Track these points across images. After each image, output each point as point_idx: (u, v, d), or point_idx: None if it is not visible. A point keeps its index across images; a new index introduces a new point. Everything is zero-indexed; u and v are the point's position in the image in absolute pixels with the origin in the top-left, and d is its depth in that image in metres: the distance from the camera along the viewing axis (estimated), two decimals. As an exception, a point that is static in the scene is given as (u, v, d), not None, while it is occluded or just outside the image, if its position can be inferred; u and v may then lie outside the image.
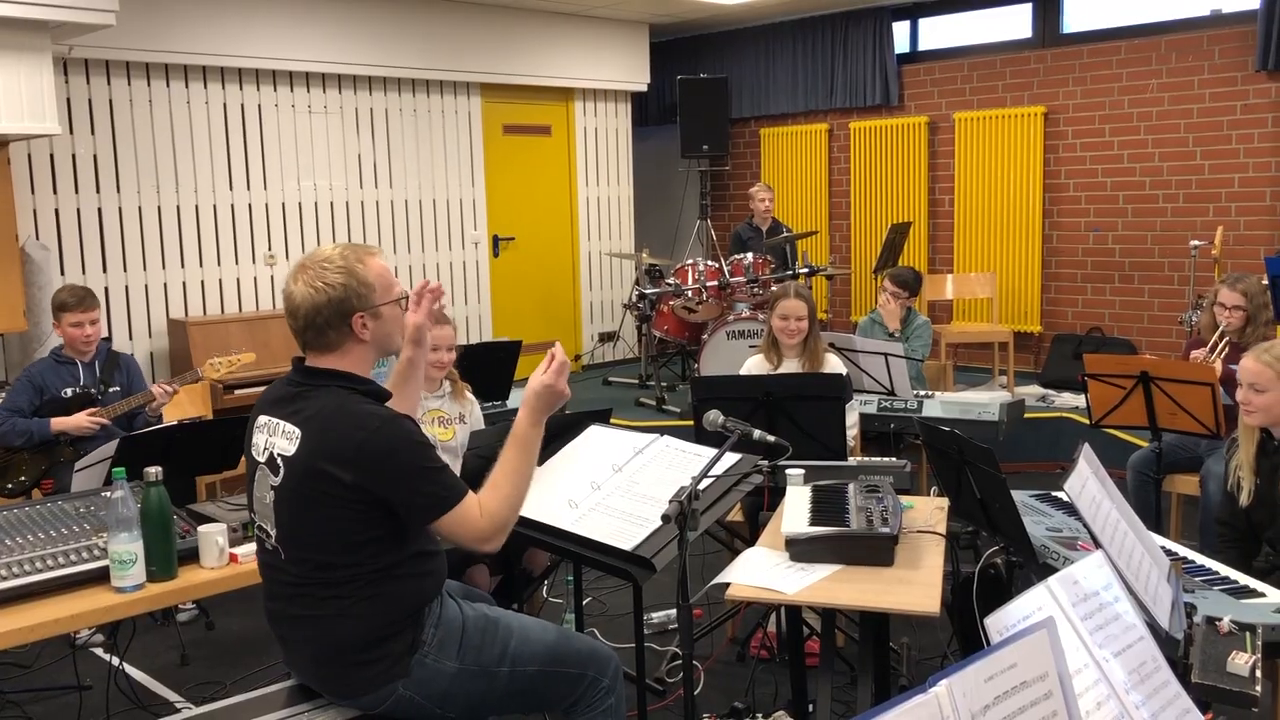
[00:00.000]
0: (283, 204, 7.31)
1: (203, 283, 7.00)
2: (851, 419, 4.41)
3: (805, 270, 7.11)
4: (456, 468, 3.59)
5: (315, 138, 7.43)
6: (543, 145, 8.83)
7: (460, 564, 3.56)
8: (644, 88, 9.31)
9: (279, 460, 2.32)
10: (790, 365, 4.51)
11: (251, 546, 2.84)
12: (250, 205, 7.16)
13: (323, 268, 2.33)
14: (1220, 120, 7.12)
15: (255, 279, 7.23)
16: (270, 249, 7.27)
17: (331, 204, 7.55)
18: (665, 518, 2.34)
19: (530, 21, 8.35)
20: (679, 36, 9.79)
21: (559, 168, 8.95)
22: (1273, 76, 6.86)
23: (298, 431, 2.30)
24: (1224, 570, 2.89)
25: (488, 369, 4.77)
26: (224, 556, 2.81)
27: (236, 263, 7.13)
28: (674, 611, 4.09)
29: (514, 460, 2.42)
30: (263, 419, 2.41)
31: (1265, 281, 4.89)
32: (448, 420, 3.98)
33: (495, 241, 8.50)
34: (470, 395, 4.09)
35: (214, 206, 6.99)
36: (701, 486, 2.43)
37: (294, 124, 7.32)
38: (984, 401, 4.91)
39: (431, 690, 2.37)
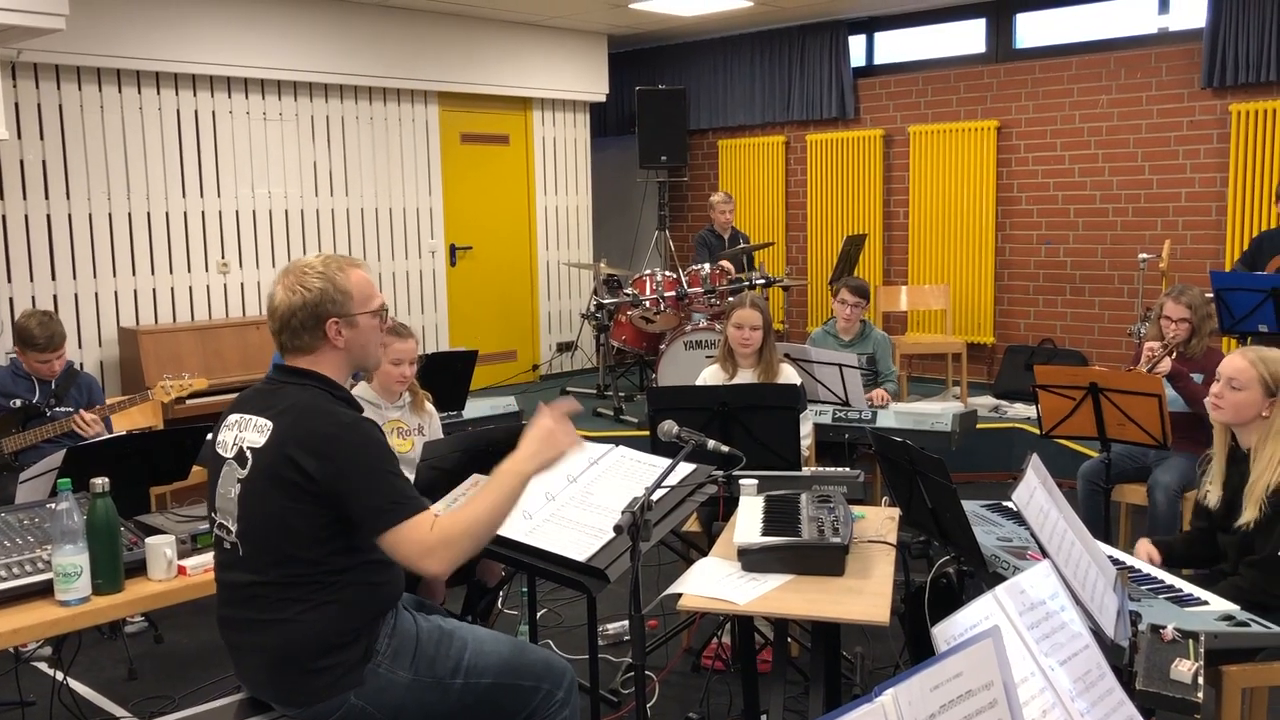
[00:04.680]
0: (236, 212, 7.24)
1: (154, 291, 6.91)
2: (806, 429, 4.44)
3: (762, 281, 7.15)
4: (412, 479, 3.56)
5: (270, 145, 7.37)
6: (501, 154, 8.82)
7: (415, 574, 3.54)
8: (602, 98, 9.33)
9: (248, 452, 2.35)
10: (746, 375, 4.53)
11: (201, 558, 2.81)
12: (204, 213, 7.08)
13: (303, 273, 2.40)
14: (1168, 136, 7.25)
15: (208, 287, 7.14)
16: (223, 257, 7.19)
17: (286, 212, 7.49)
18: (618, 529, 2.34)
19: (488, 31, 8.34)
20: (638, 47, 9.82)
21: (517, 177, 8.93)
22: (1217, 94, 7.01)
23: (269, 424, 2.34)
24: (1169, 579, 2.94)
25: (443, 379, 4.75)
26: (172, 569, 2.77)
27: (189, 271, 7.04)
28: (628, 622, 4.09)
29: (487, 489, 2.38)
30: (233, 417, 2.44)
31: (1209, 294, 5.00)
32: (406, 431, 3.97)
33: (452, 251, 8.47)
34: (430, 406, 4.08)
35: (166, 214, 6.91)
36: (655, 497, 2.43)
37: (249, 131, 7.25)
38: (937, 412, 4.97)
39: (384, 701, 2.36)
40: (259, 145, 7.31)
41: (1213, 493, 3.19)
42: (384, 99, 7.96)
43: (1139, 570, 3.00)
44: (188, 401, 5.95)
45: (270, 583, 2.32)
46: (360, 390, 3.86)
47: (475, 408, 5.29)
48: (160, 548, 2.76)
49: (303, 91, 7.51)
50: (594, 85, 9.21)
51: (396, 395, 3.92)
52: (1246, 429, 3.10)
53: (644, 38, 9.48)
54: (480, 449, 3.11)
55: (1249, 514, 2.99)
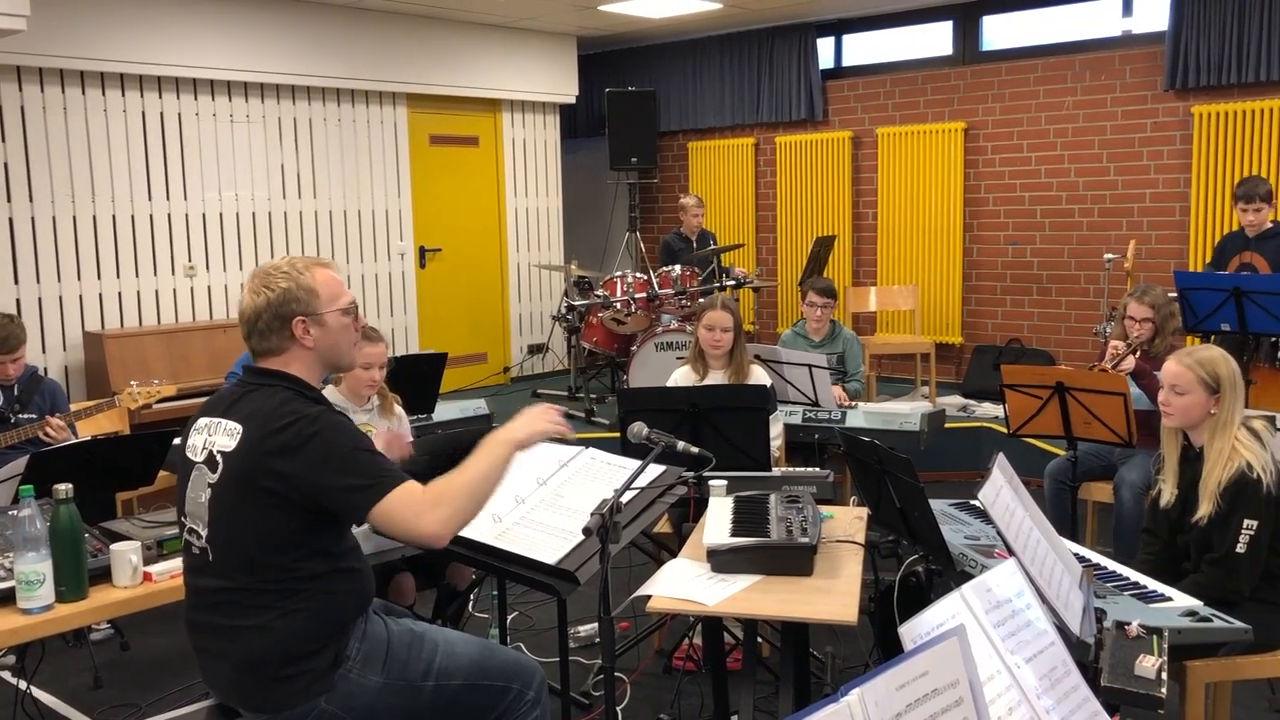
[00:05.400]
0: (203, 214, 7.18)
1: (119, 295, 6.84)
2: (776, 430, 4.46)
3: (732, 282, 7.17)
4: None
5: (237, 147, 7.31)
6: (470, 156, 8.79)
7: (384, 575, 3.53)
8: (572, 99, 9.33)
9: (219, 457, 2.33)
10: (716, 377, 4.54)
11: (168, 565, 2.78)
12: (169, 215, 7.02)
13: (268, 274, 2.40)
14: (1132, 137, 7.33)
15: (174, 291, 7.08)
16: (190, 260, 7.13)
17: (254, 214, 7.43)
18: (586, 531, 2.34)
19: (457, 32, 8.31)
20: (607, 49, 9.83)
21: (487, 179, 8.91)
22: (1180, 96, 7.09)
23: (239, 428, 2.32)
24: (1134, 575, 2.97)
25: (413, 382, 4.73)
26: (138, 575, 2.74)
27: (155, 274, 6.98)
28: (598, 624, 4.09)
29: (476, 453, 2.40)
30: (202, 420, 2.43)
31: (1173, 294, 5.06)
32: (375, 435, 3.94)
33: (422, 253, 8.44)
34: (399, 410, 4.06)
35: (131, 217, 6.84)
36: (624, 499, 2.43)
37: (215, 133, 7.19)
38: (906, 412, 5.00)
39: (355, 705, 2.35)
40: (225, 148, 7.25)
41: (1166, 491, 3.23)
42: (352, 101, 7.91)
43: (1104, 568, 3.03)
44: (154, 406, 5.89)
45: (240, 589, 2.30)
46: (327, 394, 3.84)
47: (445, 410, 5.27)
48: (125, 554, 2.73)
49: (270, 93, 7.45)
50: (563, 87, 9.21)
51: (365, 399, 3.90)
52: (1198, 429, 3.15)
53: (613, 39, 9.48)
54: (448, 452, 3.10)
55: (1204, 509, 3.04)
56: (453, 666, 2.47)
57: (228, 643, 2.32)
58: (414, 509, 2.25)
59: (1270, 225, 5.72)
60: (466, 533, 2.83)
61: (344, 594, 2.37)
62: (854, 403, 5.30)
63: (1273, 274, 5.51)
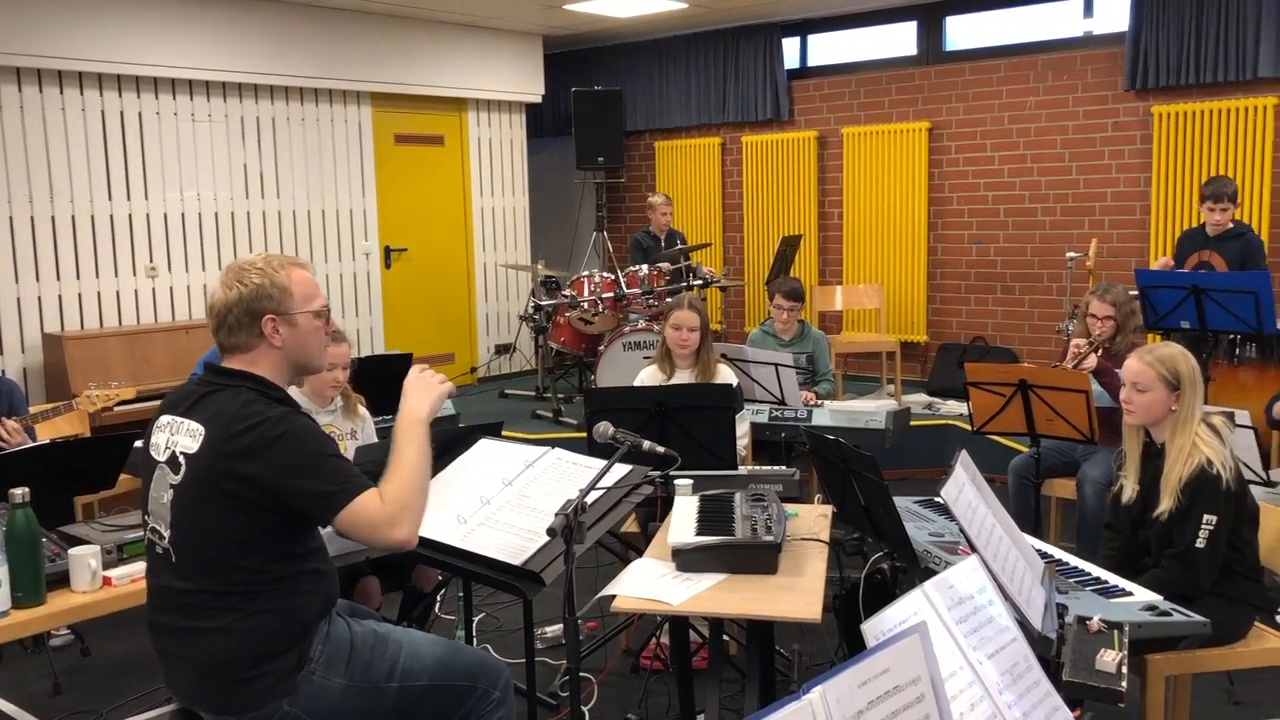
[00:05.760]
0: (164, 214, 7.09)
1: (79, 296, 6.75)
2: (742, 429, 4.47)
3: (699, 282, 7.18)
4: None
5: (199, 147, 7.23)
6: (436, 155, 8.75)
7: (350, 578, 3.50)
8: (538, 99, 9.30)
9: (181, 458, 2.31)
10: (683, 376, 4.55)
11: (128, 569, 2.75)
12: (130, 216, 6.93)
13: (243, 269, 2.39)
14: (1094, 137, 7.41)
15: (136, 292, 6.99)
16: (151, 261, 7.05)
17: (216, 214, 7.35)
18: (551, 531, 2.34)
19: (421, 31, 8.27)
20: (573, 48, 9.81)
21: (452, 178, 8.87)
22: (1140, 96, 7.17)
23: (202, 429, 2.30)
24: (1095, 571, 3.00)
25: (378, 382, 4.69)
26: (97, 580, 2.71)
27: (116, 275, 6.89)
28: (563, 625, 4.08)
29: (400, 446, 2.42)
30: (165, 419, 2.40)
31: (1134, 292, 5.12)
32: (339, 436, 3.92)
33: (387, 253, 8.39)
34: (363, 410, 4.03)
35: (91, 217, 6.75)
36: (590, 499, 2.43)
37: (176, 132, 7.11)
38: (871, 410, 5.02)
39: (318, 707, 2.34)
40: (187, 147, 7.17)
41: (1128, 487, 3.27)
42: (315, 100, 7.85)
43: (1066, 563, 3.06)
44: (115, 409, 5.82)
45: (203, 590, 2.29)
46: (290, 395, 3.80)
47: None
48: (84, 559, 2.70)
49: (232, 92, 7.38)
50: (529, 86, 9.18)
51: (328, 400, 3.87)
52: (1159, 426, 3.18)
53: (580, 39, 9.47)
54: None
55: (1165, 504, 3.07)
56: (417, 667, 2.46)
57: (190, 645, 2.30)
58: (380, 517, 2.26)
59: (1232, 225, 5.80)
60: (431, 534, 2.82)
61: (308, 596, 2.36)
62: (820, 401, 5.32)
63: (1231, 272, 5.58)
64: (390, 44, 8.09)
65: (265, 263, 2.39)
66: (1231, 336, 5.55)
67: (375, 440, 3.91)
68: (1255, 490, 3.36)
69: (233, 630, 2.27)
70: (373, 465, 3.12)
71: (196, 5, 7.01)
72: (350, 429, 3.96)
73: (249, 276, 2.36)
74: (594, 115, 9.11)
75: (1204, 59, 6.81)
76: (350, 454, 3.78)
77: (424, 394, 2.49)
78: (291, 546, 2.32)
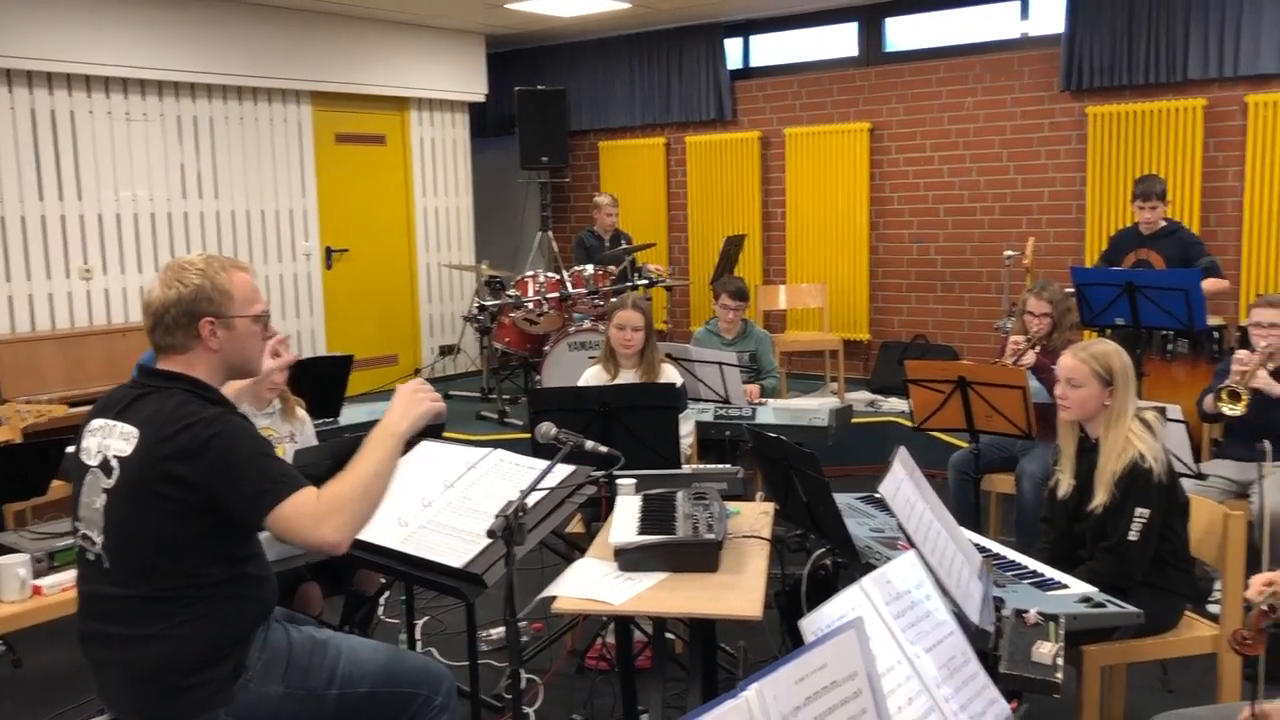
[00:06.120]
0: (99, 215, 6.95)
1: (10, 299, 6.59)
2: (687, 428, 4.48)
3: (645, 281, 7.19)
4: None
5: (134, 146, 7.10)
6: (377, 155, 8.67)
7: (289, 585, 3.46)
8: (481, 98, 9.25)
9: (114, 462, 2.27)
10: (628, 376, 4.55)
11: (58, 577, 2.70)
12: (63, 217, 6.78)
13: (183, 269, 2.35)
14: (1031, 137, 7.53)
15: (70, 294, 6.84)
16: (85, 262, 6.90)
17: (153, 215, 7.22)
18: (491, 533, 2.32)
19: (362, 29, 8.19)
20: (517, 48, 9.77)
21: (395, 178, 8.79)
22: (1076, 97, 7.30)
23: (135, 431, 2.26)
24: (1032, 564, 3.05)
25: (317, 384, 4.64)
26: (26, 589, 2.65)
27: (49, 277, 6.73)
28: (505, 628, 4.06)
29: (363, 452, 2.35)
30: (96, 423, 2.36)
31: (1070, 289, 5.20)
32: (277, 439, 3.86)
33: (328, 253, 8.29)
34: (302, 412, 3.98)
35: (22, 218, 6.59)
36: (532, 500, 2.42)
37: (111, 132, 6.97)
38: (814, 408, 5.06)
39: (256, 716, 2.31)
40: (122, 147, 7.04)
41: (1064, 481, 3.33)
42: (254, 99, 7.74)
43: (1003, 557, 3.11)
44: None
45: (138, 597, 2.25)
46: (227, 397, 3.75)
47: (352, 414, 5.18)
48: (12, 568, 2.64)
49: (168, 91, 7.25)
50: (472, 85, 9.13)
51: (266, 402, 3.81)
52: (1093, 421, 3.24)
53: (523, 38, 9.43)
54: (351, 455, 3.04)
55: (1100, 498, 3.13)
56: (357, 673, 2.44)
57: (125, 653, 2.26)
58: (312, 516, 2.21)
59: (1164, 223, 5.93)
60: (372, 537, 2.79)
61: (245, 602, 2.33)
62: (764, 399, 5.35)
63: (1163, 270, 5.70)
64: (330, 43, 8.00)
65: (206, 264, 2.36)
66: (1164, 333, 5.67)
67: (315, 443, 3.87)
68: (1186, 483, 3.44)
69: (167, 638, 2.23)
70: (312, 468, 3.09)
71: (131, 2, 6.88)
72: (289, 432, 3.90)
73: (189, 277, 2.32)
74: (538, 115, 9.08)
75: (1136, 61, 6.95)
76: (289, 458, 3.73)
77: (409, 408, 2.42)
78: (228, 551, 2.28)
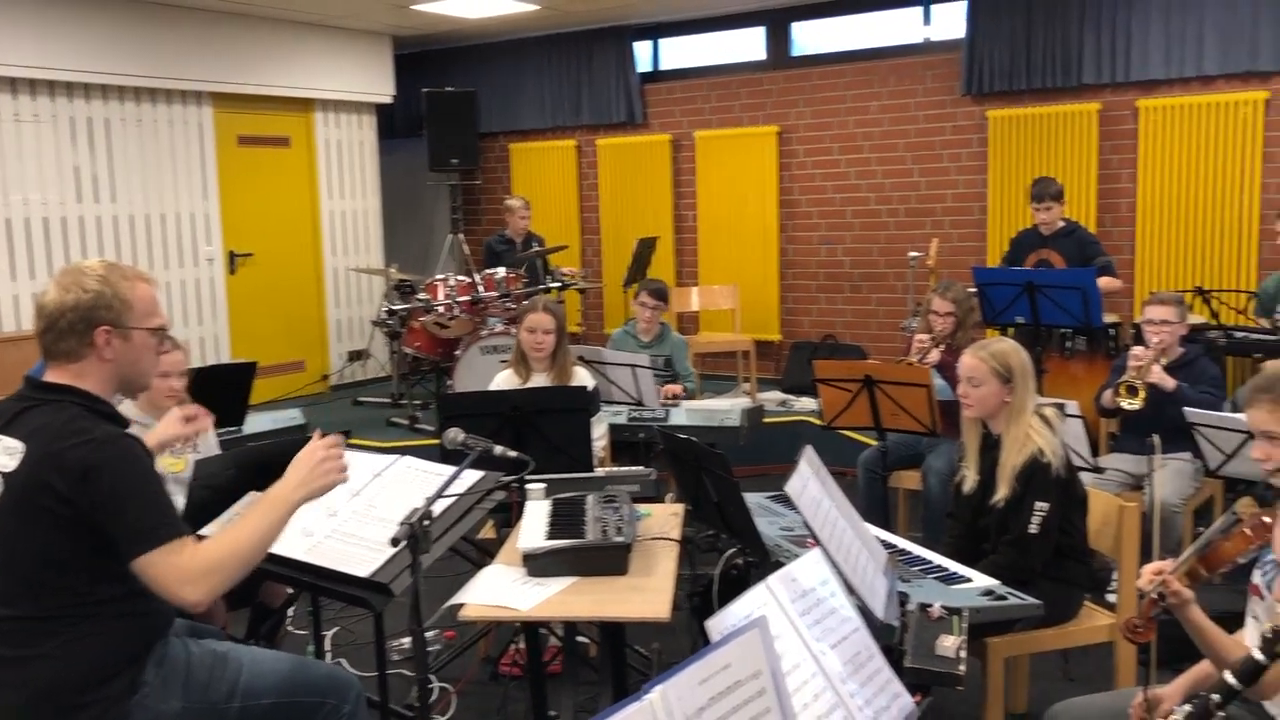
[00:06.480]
0: (-13, 220, 6.70)
1: (-108, 307, 6.32)
2: (600, 430, 4.48)
3: (557, 284, 7.16)
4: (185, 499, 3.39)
5: (25, 149, 6.85)
6: (282, 157, 8.50)
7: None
8: (389, 99, 9.13)
9: None
10: (539, 379, 4.53)
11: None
12: (-52, 221, 6.53)
13: (82, 273, 2.28)
14: (934, 140, 7.68)
15: (-44, 302, 6.59)
16: (-27, 269, 6.65)
17: (46, 220, 6.98)
18: (394, 541, 2.29)
19: (264, 29, 8.02)
20: (425, 49, 9.66)
21: (300, 181, 8.63)
22: (977, 101, 7.47)
23: (21, 446, 2.18)
24: (937, 559, 3.11)
25: (219, 393, 4.52)
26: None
27: (-67, 284, 6.47)
28: (424, 635, 4.00)
29: (250, 515, 2.30)
30: None
31: (973, 289, 5.33)
32: (179, 450, 3.76)
33: (232, 258, 8.10)
34: (204, 421, 3.88)
35: (-96, 223, 6.33)
36: (438, 507, 2.39)
37: (-1, 133, 6.73)
38: (726, 408, 5.09)
39: (154, 732, 2.24)
40: (12, 149, 6.78)
41: (969, 477, 3.40)
42: (153, 100, 7.53)
43: (909, 552, 3.16)
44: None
45: (25, 616, 2.18)
46: (126, 409, 3.62)
47: (257, 422, 5.07)
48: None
49: (61, 91, 7.02)
50: (379, 87, 9.00)
51: (165, 411, 3.71)
52: (996, 417, 3.32)
53: (431, 39, 9.33)
54: (255, 464, 2.98)
55: (1001, 492, 3.21)
56: (260, 685, 2.40)
57: (13, 674, 2.19)
58: (178, 573, 2.14)
59: (1062, 224, 6.10)
60: (277, 549, 2.73)
61: (140, 618, 2.27)
62: (677, 401, 5.37)
63: (1061, 269, 5.87)
64: (231, 43, 7.81)
65: (108, 271, 2.29)
66: (1063, 330, 5.83)
67: (217, 453, 3.78)
68: (1084, 476, 3.54)
69: (59, 656, 2.17)
70: (212, 479, 3.02)
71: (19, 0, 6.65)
72: (191, 442, 3.80)
73: (89, 282, 2.25)
74: (446, 117, 8.99)
75: (1034, 66, 7.13)
76: (192, 468, 3.64)
77: (311, 479, 2.32)
78: (119, 569, 2.21)
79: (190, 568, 2.15)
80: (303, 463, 2.34)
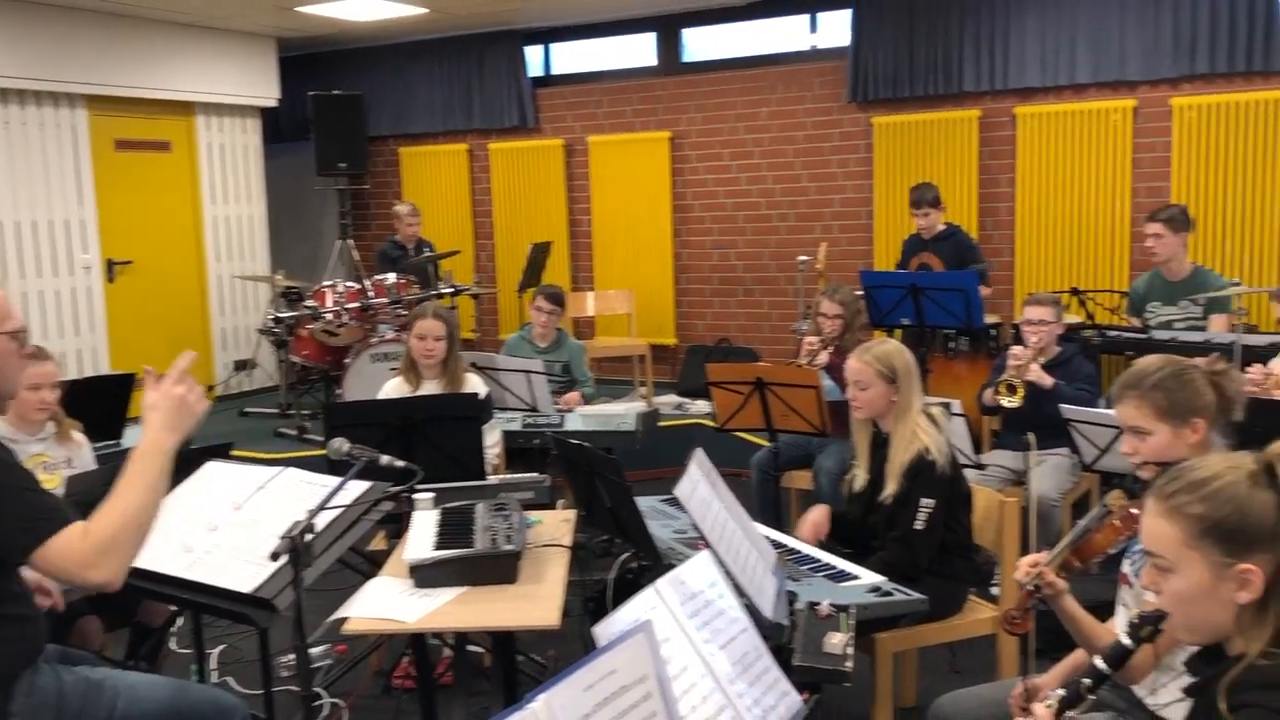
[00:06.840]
0: None
1: None
2: (493, 438, 4.43)
3: (450, 290, 7.08)
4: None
5: (-119, 151, 6.52)
6: (162, 162, 8.23)
7: (66, 619, 3.24)
8: (274, 103, 8.92)
9: None
10: (430, 387, 4.47)
11: None
12: None
13: None
14: (822, 146, 7.82)
15: None
16: None
17: (-95, 227, 6.65)
18: (274, 555, 2.23)
19: (142, 30, 7.76)
20: (312, 51, 9.46)
21: (181, 186, 8.37)
22: (862, 108, 7.63)
23: None
24: (826, 557, 3.15)
25: (96, 405, 4.36)
26: None
27: None
28: (315, 650, 3.92)
29: (129, 478, 2.19)
30: None
31: (860, 292, 5.43)
32: (53, 465, 3.63)
33: (110, 266, 7.81)
34: (79, 436, 3.76)
35: None
36: (322, 520, 2.34)
37: None
38: (621, 412, 5.10)
39: (24, 767, 2.14)
40: None
41: (859, 476, 3.47)
42: (21, 101, 7.22)
43: (799, 552, 3.20)
44: None
45: None
46: (-5, 427, 3.49)
47: (136, 435, 4.88)
48: None
49: (-80, 91, 6.70)
50: (263, 90, 8.79)
51: (38, 425, 3.57)
52: (885, 417, 3.40)
53: (318, 41, 9.15)
54: (131, 480, 2.86)
55: (889, 489, 3.28)
56: (137, 712, 2.31)
57: None
58: (78, 558, 2.07)
59: (943, 227, 6.26)
60: (155, 566, 2.64)
61: (8, 644, 2.16)
62: (573, 406, 5.36)
63: (944, 272, 6.02)
64: (106, 43, 7.54)
65: None
66: (946, 331, 5.99)
67: (92, 468, 3.65)
68: (968, 473, 3.64)
69: (-83, 688, 2.06)
70: (87, 495, 2.90)
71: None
72: (65, 457, 3.68)
73: None
74: (334, 120, 8.82)
75: (917, 74, 7.31)
76: (64, 484, 3.50)
77: (178, 420, 2.23)
78: None
79: (87, 551, 2.08)
80: (162, 406, 2.23)
